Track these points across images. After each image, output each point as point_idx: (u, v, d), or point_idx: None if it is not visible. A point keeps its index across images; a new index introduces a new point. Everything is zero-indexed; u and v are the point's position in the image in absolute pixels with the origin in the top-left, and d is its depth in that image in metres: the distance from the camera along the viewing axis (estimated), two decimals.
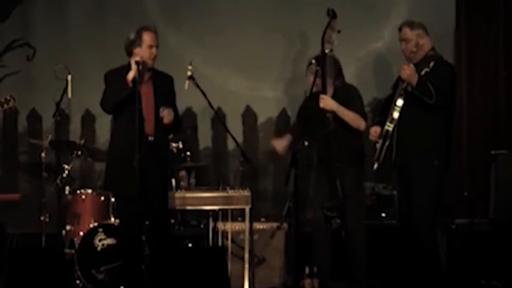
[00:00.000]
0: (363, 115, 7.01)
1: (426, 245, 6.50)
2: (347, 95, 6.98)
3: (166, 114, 6.48)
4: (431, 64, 6.41)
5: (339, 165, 6.77)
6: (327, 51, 6.67)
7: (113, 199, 7.48)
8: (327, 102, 6.83)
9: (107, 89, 6.61)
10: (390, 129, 6.47)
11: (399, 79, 6.57)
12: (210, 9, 9.26)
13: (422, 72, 6.38)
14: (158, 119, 6.51)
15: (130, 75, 6.39)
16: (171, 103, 6.65)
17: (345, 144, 6.86)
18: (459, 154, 8.23)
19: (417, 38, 6.56)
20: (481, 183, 8.07)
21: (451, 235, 7.57)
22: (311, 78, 6.87)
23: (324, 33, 6.68)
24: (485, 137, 8.42)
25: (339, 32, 6.65)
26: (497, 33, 8.50)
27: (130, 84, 6.39)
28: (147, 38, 6.52)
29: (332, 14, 6.66)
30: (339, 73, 7.04)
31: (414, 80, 6.34)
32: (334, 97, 6.91)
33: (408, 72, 6.36)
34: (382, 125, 6.57)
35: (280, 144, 7.36)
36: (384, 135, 6.49)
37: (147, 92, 6.51)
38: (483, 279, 7.27)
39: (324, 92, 6.83)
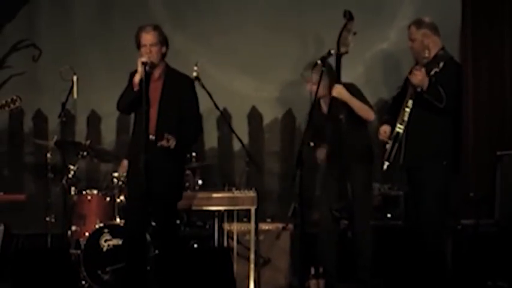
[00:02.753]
0: (371, 107, 6.99)
1: (432, 245, 6.48)
2: (349, 92, 6.95)
3: (166, 143, 6.33)
4: (441, 64, 6.37)
5: (348, 166, 6.76)
6: (332, 51, 6.64)
7: (118, 199, 7.51)
8: (340, 91, 6.80)
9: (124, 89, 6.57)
10: (401, 131, 6.45)
11: (408, 80, 6.56)
12: (215, 11, 9.27)
13: (432, 72, 6.34)
14: (161, 118, 6.44)
15: (137, 77, 6.35)
16: (182, 105, 6.50)
17: (354, 144, 6.85)
18: (465, 155, 8.22)
19: (422, 37, 6.53)
20: (486, 184, 8.06)
21: (457, 236, 7.56)
22: (316, 78, 6.84)
23: (340, 35, 6.64)
24: (491, 137, 8.41)
25: (354, 34, 6.62)
26: (503, 34, 8.49)
27: (137, 87, 6.35)
28: (140, 37, 6.49)
29: (349, 16, 6.62)
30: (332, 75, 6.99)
31: (425, 84, 6.32)
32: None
33: (420, 77, 6.32)
34: (391, 124, 6.56)
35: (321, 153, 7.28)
36: (395, 136, 6.47)
37: (153, 90, 6.47)
38: (489, 280, 7.26)
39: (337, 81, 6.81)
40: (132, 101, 6.42)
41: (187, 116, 6.48)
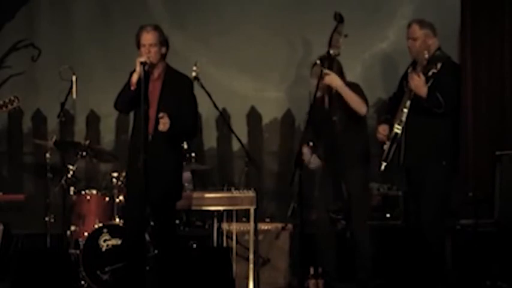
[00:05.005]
0: (366, 101, 6.96)
1: (432, 245, 6.49)
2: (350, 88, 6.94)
3: (162, 122, 6.30)
4: (439, 65, 6.37)
5: (344, 167, 6.77)
6: (331, 51, 6.64)
7: (118, 199, 7.51)
8: (332, 78, 6.78)
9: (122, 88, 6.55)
10: (399, 131, 6.46)
11: (405, 79, 6.56)
12: (215, 11, 9.27)
13: (430, 73, 6.34)
14: (159, 118, 6.44)
15: (134, 77, 6.33)
16: (181, 105, 6.45)
17: (350, 145, 6.84)
18: (464, 154, 8.22)
19: (424, 37, 6.53)
20: (486, 184, 8.06)
21: (456, 236, 7.56)
22: (315, 78, 6.84)
23: (331, 37, 6.63)
24: (491, 137, 8.40)
25: (345, 36, 6.61)
26: (502, 34, 8.48)
27: (134, 86, 6.34)
28: (140, 37, 6.49)
29: (339, 18, 6.61)
30: (340, 73, 7.00)
31: (423, 91, 6.30)
32: (337, 95, 6.90)
33: (417, 82, 6.32)
34: (389, 123, 6.56)
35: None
36: (393, 137, 6.47)
37: (152, 90, 6.46)
38: (488, 280, 7.26)
39: (330, 94, 6.82)
40: (129, 100, 6.41)
41: (183, 115, 6.45)
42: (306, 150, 7.01)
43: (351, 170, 6.84)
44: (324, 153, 7.04)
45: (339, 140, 6.76)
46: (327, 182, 6.94)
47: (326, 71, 6.75)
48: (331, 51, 6.64)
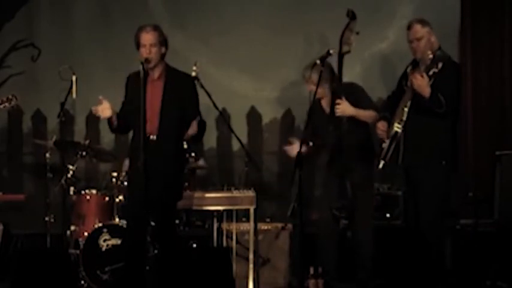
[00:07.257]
0: (377, 109, 6.96)
1: (432, 245, 6.48)
2: (352, 94, 6.93)
3: (191, 128, 6.39)
4: (440, 65, 6.34)
5: (348, 165, 6.75)
6: (331, 51, 6.61)
7: (117, 199, 7.51)
8: (344, 108, 6.76)
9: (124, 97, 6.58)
10: (400, 130, 6.44)
11: (405, 78, 6.55)
12: (215, 11, 9.28)
13: (430, 72, 6.31)
14: (163, 118, 6.43)
15: (104, 114, 6.41)
16: (184, 104, 6.44)
17: (355, 143, 6.83)
18: (464, 154, 8.22)
19: (428, 35, 6.51)
20: (486, 184, 8.06)
21: (456, 236, 7.56)
22: (311, 84, 6.81)
23: (343, 34, 6.59)
24: (491, 137, 8.41)
25: (357, 33, 6.58)
26: (502, 34, 8.49)
27: (115, 120, 6.41)
28: (140, 37, 6.48)
29: (352, 15, 6.58)
30: (331, 75, 6.96)
31: (426, 91, 6.27)
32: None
33: (420, 82, 6.28)
34: (387, 121, 6.55)
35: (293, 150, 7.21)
36: (393, 136, 6.46)
37: (153, 90, 6.45)
38: (488, 280, 7.26)
39: (338, 96, 6.80)
40: (123, 125, 6.51)
41: (190, 114, 6.45)
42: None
43: (355, 168, 6.82)
44: (329, 152, 7.02)
45: (346, 137, 6.74)
46: (331, 181, 6.92)
47: (338, 101, 6.74)
48: (343, 48, 6.59)
